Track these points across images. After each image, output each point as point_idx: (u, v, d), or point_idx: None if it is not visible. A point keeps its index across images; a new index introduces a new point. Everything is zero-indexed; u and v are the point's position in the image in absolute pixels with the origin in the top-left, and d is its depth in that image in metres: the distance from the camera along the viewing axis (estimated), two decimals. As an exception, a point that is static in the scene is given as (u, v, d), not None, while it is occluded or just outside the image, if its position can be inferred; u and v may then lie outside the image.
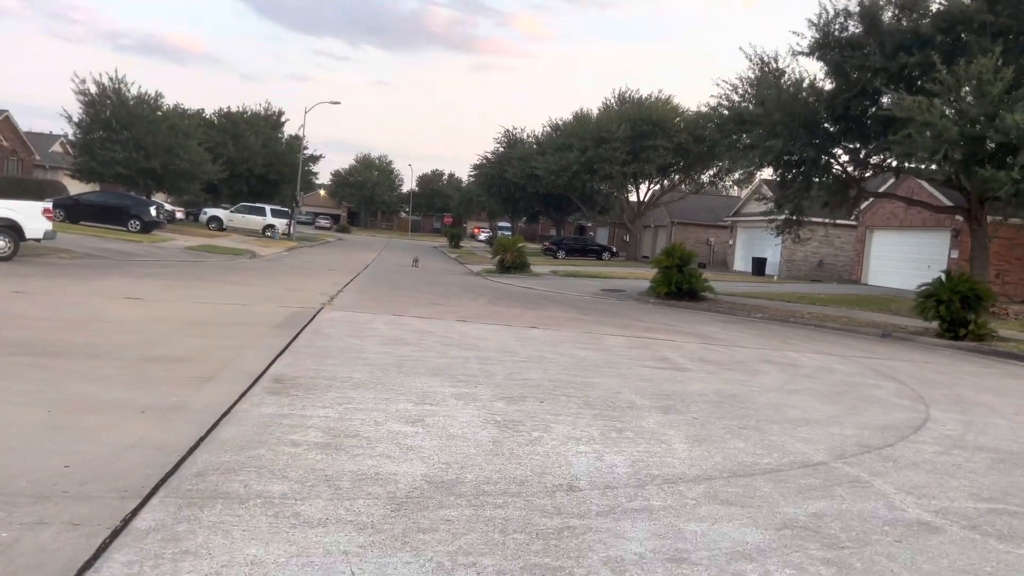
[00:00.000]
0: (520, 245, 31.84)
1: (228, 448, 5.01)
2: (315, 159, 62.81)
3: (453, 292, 20.05)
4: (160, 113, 38.61)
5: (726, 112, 23.02)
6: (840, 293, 27.95)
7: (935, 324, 17.50)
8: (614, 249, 51.88)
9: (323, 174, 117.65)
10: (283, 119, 58.64)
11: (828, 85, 21.71)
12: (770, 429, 7.00)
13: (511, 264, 30.79)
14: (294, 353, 8.52)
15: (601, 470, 5.26)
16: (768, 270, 36.44)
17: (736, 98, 23.02)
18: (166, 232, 36.06)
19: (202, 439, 5.14)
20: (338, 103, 49.36)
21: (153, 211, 32.51)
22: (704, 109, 43.78)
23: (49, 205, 19.44)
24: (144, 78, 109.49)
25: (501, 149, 57.53)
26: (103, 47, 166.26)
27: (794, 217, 24.32)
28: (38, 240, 19.13)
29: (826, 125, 21.51)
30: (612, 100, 44.12)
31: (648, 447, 5.98)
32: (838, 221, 34.61)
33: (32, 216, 18.70)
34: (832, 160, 22.78)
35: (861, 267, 33.48)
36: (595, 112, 44.97)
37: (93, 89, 36.67)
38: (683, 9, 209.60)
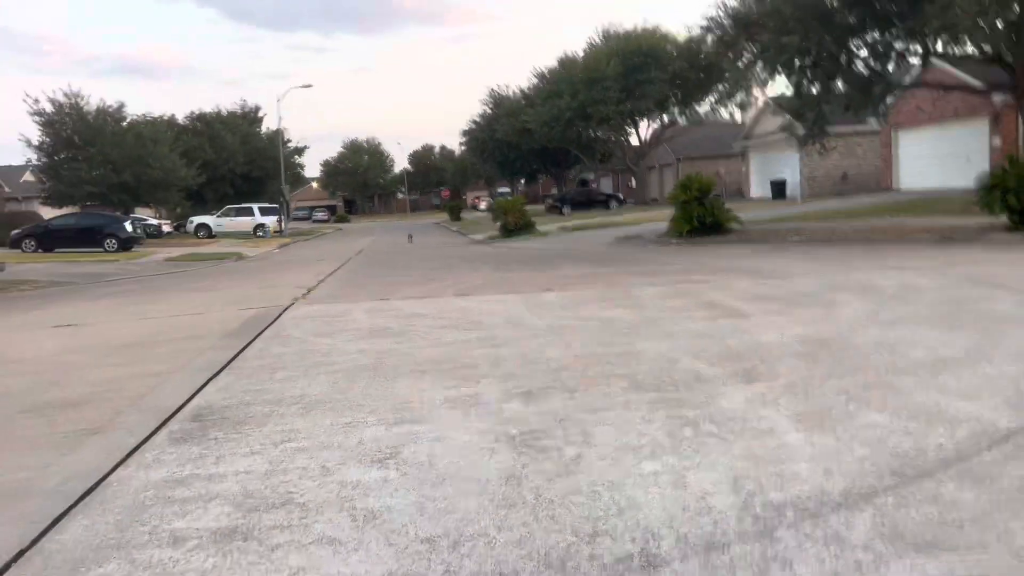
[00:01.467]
0: (521, 205, 29.57)
1: (50, 573, 2.91)
2: (300, 151, 60.53)
3: (453, 264, 17.89)
4: (124, 124, 36.37)
5: (727, 21, 20.53)
6: (875, 203, 25.57)
7: (1003, 218, 15.19)
8: (621, 196, 49.38)
9: (313, 166, 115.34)
10: (260, 114, 56.29)
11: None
12: (903, 384, 4.85)
13: (515, 226, 28.55)
14: (236, 370, 6.42)
15: (690, 508, 3.14)
16: (789, 192, 33.99)
17: (735, 3, 20.55)
18: (147, 247, 34.06)
19: (14, 560, 3.04)
20: (310, 86, 48.02)
21: (129, 227, 30.48)
22: (696, 31, 41.18)
23: (-9, 234, 17.36)
24: (125, 97, 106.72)
25: (489, 111, 54.89)
26: (79, 74, 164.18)
27: (816, 125, 21.86)
28: (-14, 275, 17.14)
29: (843, 15, 18.98)
30: (597, 39, 41.38)
31: (747, 446, 3.85)
32: (859, 128, 32.10)
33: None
34: (853, 55, 20.26)
35: (891, 172, 30.98)
36: (581, 55, 42.23)
37: (49, 108, 34.48)
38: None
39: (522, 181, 71.12)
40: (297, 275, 16.73)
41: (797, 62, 19.42)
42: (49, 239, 30.00)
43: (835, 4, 18.57)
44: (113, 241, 30.01)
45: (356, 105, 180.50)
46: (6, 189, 41.87)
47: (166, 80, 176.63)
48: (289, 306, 10.49)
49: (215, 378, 6.14)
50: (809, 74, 20.49)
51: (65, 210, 36.65)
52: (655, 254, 17.22)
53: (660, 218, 30.12)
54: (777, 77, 21.06)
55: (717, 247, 18.13)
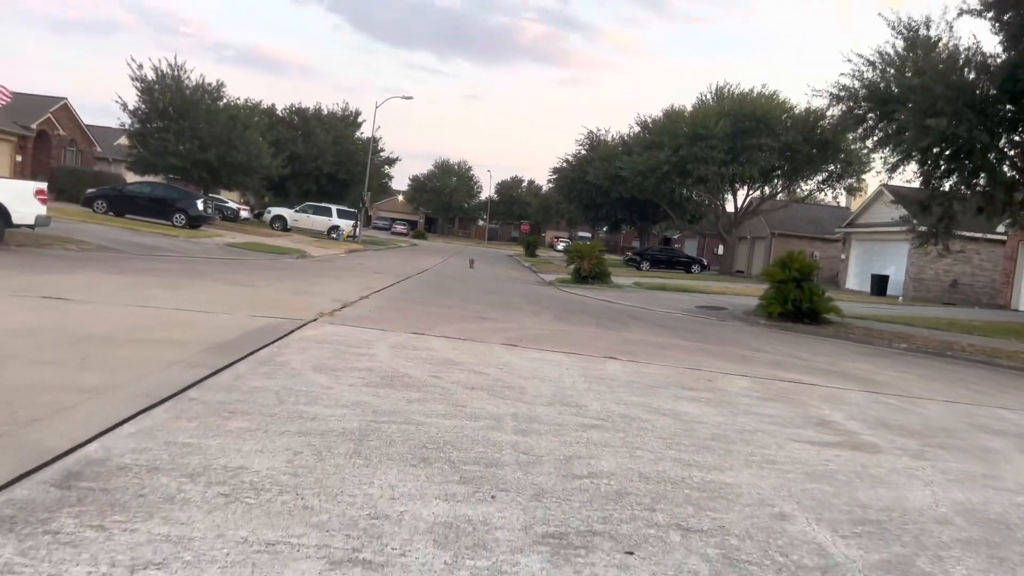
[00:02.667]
0: (599, 252, 27.76)
1: None
2: (391, 162, 60.26)
3: (513, 303, 16.17)
4: (221, 103, 36.23)
5: (861, 91, 18.47)
6: (993, 320, 22.79)
7: None
8: (704, 262, 47.05)
9: (402, 179, 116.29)
10: (360, 119, 56.16)
11: (1000, 54, 16.98)
12: None
13: (588, 273, 26.73)
14: (182, 405, 4.79)
15: None
16: (890, 290, 31.21)
17: (873, 75, 18.49)
18: (216, 228, 33.56)
19: None
20: (410, 98, 46.84)
21: (200, 205, 29.91)
22: (818, 103, 38.72)
23: (43, 186, 16.57)
24: (243, 88, 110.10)
25: (583, 152, 53.45)
26: (207, 58, 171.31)
27: (943, 224, 19.47)
28: (30, 226, 16.30)
29: (1000, 105, 16.71)
30: (708, 96, 39.51)
31: None
32: (979, 235, 29.29)
33: (21, 198, 15.87)
34: (1002, 152, 17.92)
35: (1011, 289, 27.99)
36: (688, 109, 40.45)
37: (151, 75, 34.55)
38: (777, 23, 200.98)
39: (604, 228, 69.31)
40: (344, 285, 15.29)
41: (936, 150, 17.20)
42: (121, 203, 29.65)
43: (994, 92, 16.35)
44: (182, 216, 29.46)
45: (457, 129, 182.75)
46: (98, 149, 42.38)
47: (285, 76, 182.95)
48: (310, 322, 8.92)
49: (147, 412, 4.52)
50: (946, 165, 18.22)
51: (149, 179, 36.64)
52: (741, 334, 15.15)
53: (746, 292, 27.87)
54: (908, 163, 18.81)
55: (812, 339, 15.93)
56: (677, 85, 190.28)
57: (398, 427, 4.82)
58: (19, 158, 34.64)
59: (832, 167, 37.55)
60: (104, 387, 4.98)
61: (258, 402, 5.03)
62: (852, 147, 36.15)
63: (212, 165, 34.78)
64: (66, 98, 38.36)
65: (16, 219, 15.63)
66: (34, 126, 35.24)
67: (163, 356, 6.09)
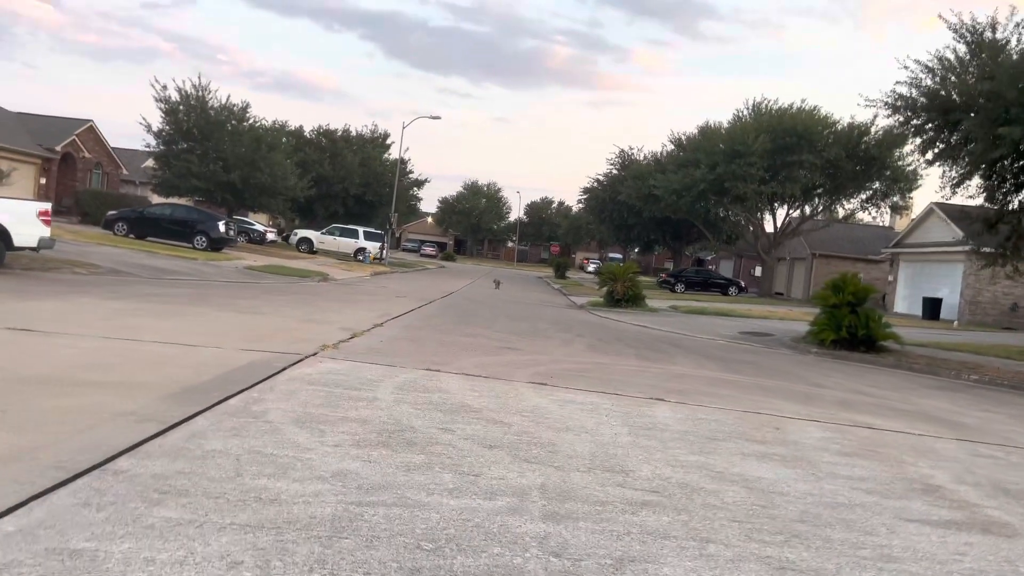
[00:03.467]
0: (633, 273, 26.41)
1: None
2: (420, 183, 59.52)
3: (541, 329, 14.90)
4: (246, 125, 35.69)
5: (922, 99, 17.02)
6: (1064, 347, 20.98)
7: None
8: (742, 284, 45.35)
9: (431, 201, 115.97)
10: (388, 141, 55.53)
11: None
12: None
13: (622, 296, 25.39)
14: (106, 479, 3.62)
15: None
16: (944, 313, 29.39)
17: (933, 83, 17.04)
18: (239, 251, 32.83)
19: None
20: (438, 118, 45.50)
21: (222, 227, 29.14)
22: (866, 115, 37.07)
23: (47, 207, 15.70)
24: (278, 112, 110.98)
25: (615, 171, 52.21)
26: (243, 84, 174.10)
27: (1012, 242, 17.84)
28: (34, 249, 15.43)
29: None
30: (745, 112, 38.09)
31: None
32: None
33: (23, 219, 15.00)
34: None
35: (1079, 313, 26.05)
36: (724, 126, 39.05)
37: (175, 96, 34.11)
38: (807, 44, 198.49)
39: (636, 249, 67.85)
40: (360, 311, 14.16)
41: (1007, 162, 15.69)
42: (142, 226, 29.02)
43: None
44: (203, 239, 28.71)
45: (487, 152, 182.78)
46: (124, 171, 42.11)
47: (319, 102, 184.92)
48: (308, 357, 7.75)
49: (47, 495, 3.35)
50: (1015, 178, 16.67)
51: (174, 201, 36.13)
52: (794, 365, 13.72)
53: (791, 317, 26.31)
54: (972, 178, 17.26)
55: (872, 370, 14.44)
56: (708, 106, 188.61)
57: (386, 513, 3.59)
58: (43, 180, 34.36)
59: (877, 184, 35.86)
60: (7, 453, 3.82)
61: (207, 475, 3.84)
62: (899, 163, 34.52)
63: (236, 187, 34.14)
64: (91, 120, 38.12)
65: (18, 242, 14.77)
66: (58, 148, 34.99)
67: (109, 406, 4.93)
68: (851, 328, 16.75)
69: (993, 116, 14.68)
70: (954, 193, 17.27)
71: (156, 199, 38.12)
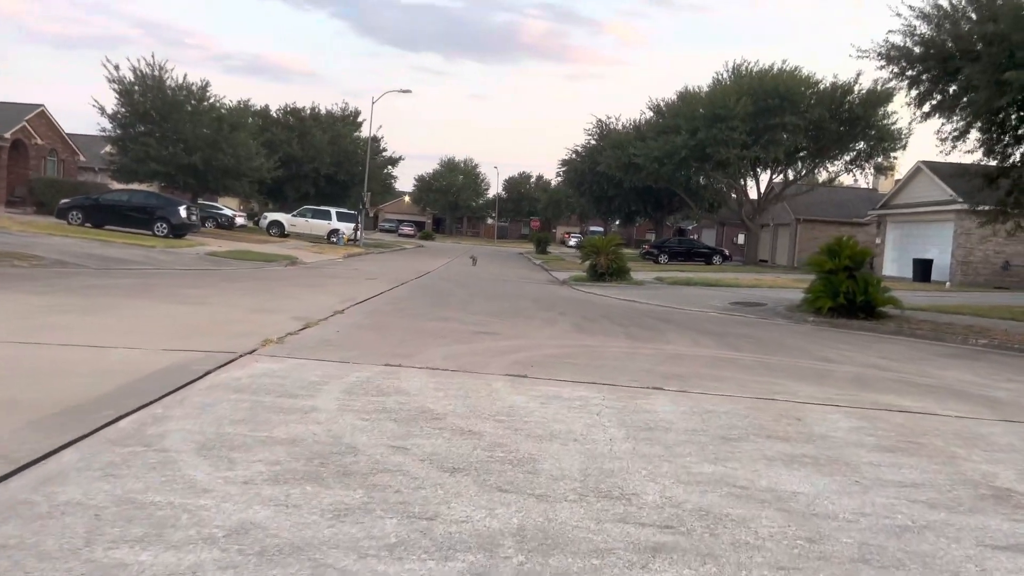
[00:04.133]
0: (617, 245, 25.33)
1: None
2: (393, 161, 57.98)
3: (522, 309, 13.78)
4: (207, 104, 34.04)
5: (918, 48, 15.95)
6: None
7: None
8: (726, 252, 44.41)
9: (408, 180, 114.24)
10: (360, 119, 53.82)
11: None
12: None
13: (606, 270, 24.32)
14: None
15: None
16: (935, 275, 28.59)
17: (928, 30, 15.98)
18: (204, 237, 31.36)
19: None
20: (408, 91, 43.91)
21: (183, 212, 27.68)
22: (846, 78, 35.91)
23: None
24: (250, 95, 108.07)
25: (593, 141, 50.91)
26: (213, 68, 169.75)
27: (1014, 198, 16.91)
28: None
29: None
30: (725, 75, 36.88)
31: None
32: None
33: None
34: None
35: (1076, 270, 25.34)
36: (704, 91, 37.82)
37: (129, 77, 32.37)
38: (783, 10, 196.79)
39: (616, 222, 66.77)
40: (323, 297, 12.96)
41: (1012, 111, 14.68)
42: (98, 214, 27.49)
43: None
44: (163, 225, 27.26)
45: (464, 129, 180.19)
46: (82, 158, 40.25)
47: (291, 83, 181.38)
48: (244, 355, 6.58)
49: None
50: (1017, 131, 15.69)
51: (134, 187, 34.50)
52: (794, 337, 12.71)
53: (780, 284, 25.38)
54: (971, 131, 16.25)
55: (876, 339, 13.48)
56: (685, 76, 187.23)
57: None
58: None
59: (861, 145, 34.93)
60: None
61: (40, 548, 2.70)
62: (884, 122, 33.58)
63: (198, 169, 32.57)
64: (43, 105, 36.22)
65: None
66: (7, 136, 33.18)
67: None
68: (849, 294, 15.79)
69: (997, 61, 13.64)
70: (953, 148, 16.27)
71: (117, 186, 36.45)
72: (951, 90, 15.88)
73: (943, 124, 16.87)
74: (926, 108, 16.69)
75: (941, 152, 16.76)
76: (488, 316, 11.92)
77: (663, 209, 52.98)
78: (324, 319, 9.57)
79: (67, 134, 38.60)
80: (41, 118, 36.03)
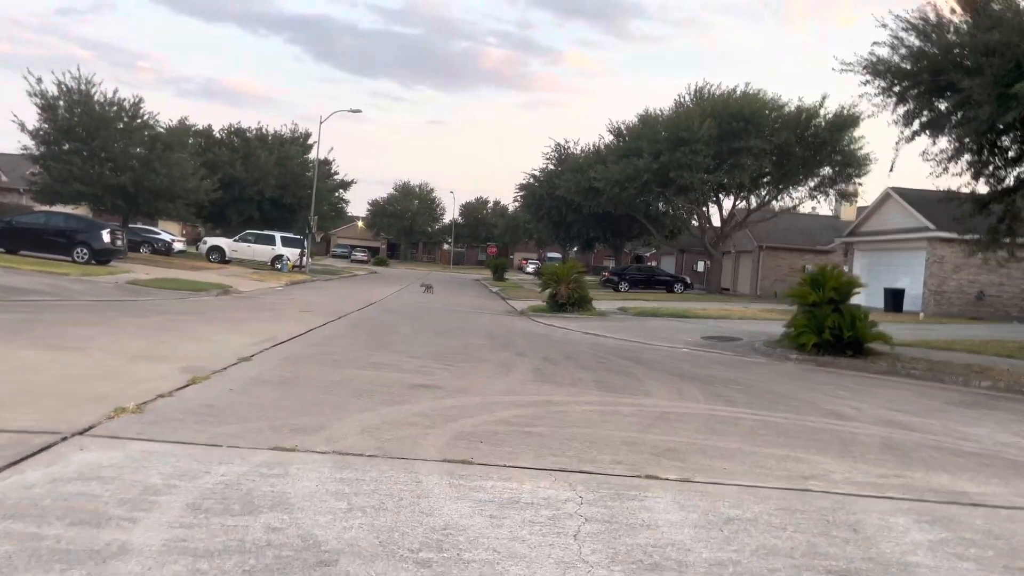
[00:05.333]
0: (578, 273, 23.67)
1: None
2: (345, 185, 55.81)
3: (475, 349, 11.91)
4: (139, 121, 31.72)
5: (905, 65, 14.67)
6: (1052, 339, 19.06)
7: None
8: (688, 280, 43.18)
9: (361, 205, 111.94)
10: (310, 141, 51.61)
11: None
12: None
13: (567, 300, 22.62)
14: None
15: None
16: (907, 305, 27.51)
17: (916, 41, 14.74)
18: (131, 263, 28.91)
19: None
20: (358, 111, 42.24)
21: (107, 236, 25.29)
22: (811, 102, 35.17)
23: None
24: (206, 119, 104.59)
25: (551, 166, 49.55)
26: (167, 92, 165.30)
27: (1006, 224, 15.68)
28: None
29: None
30: (687, 98, 35.80)
31: None
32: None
33: None
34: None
35: (1052, 300, 24.42)
36: (664, 114, 36.70)
37: (53, 91, 29.95)
38: (736, 43, 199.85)
39: (575, 248, 65.41)
40: (237, 336, 10.95)
41: (1016, 129, 13.41)
42: (11, 238, 24.95)
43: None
44: (84, 251, 24.84)
45: (421, 155, 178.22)
46: (3, 178, 37.47)
47: (247, 108, 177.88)
48: (73, 436, 4.63)
49: None
50: (1016, 151, 14.48)
51: (59, 209, 31.82)
52: (786, 381, 11.08)
53: (749, 315, 23.96)
54: (964, 153, 14.97)
55: (873, 382, 11.95)
56: (641, 106, 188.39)
57: None
58: None
59: (826, 170, 34.04)
60: None
61: None
62: (850, 147, 32.73)
63: (128, 190, 30.15)
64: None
65: None
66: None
67: None
68: (835, 330, 14.32)
69: (1000, 73, 12.35)
70: (944, 170, 14.98)
71: (39, 208, 33.76)
72: (943, 107, 14.61)
73: (931, 144, 15.66)
74: (914, 127, 15.42)
75: (931, 174, 15.48)
76: (433, 360, 10.03)
77: (622, 236, 51.73)
78: (221, 370, 7.61)
79: (-12, 153, 35.90)
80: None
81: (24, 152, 31.27)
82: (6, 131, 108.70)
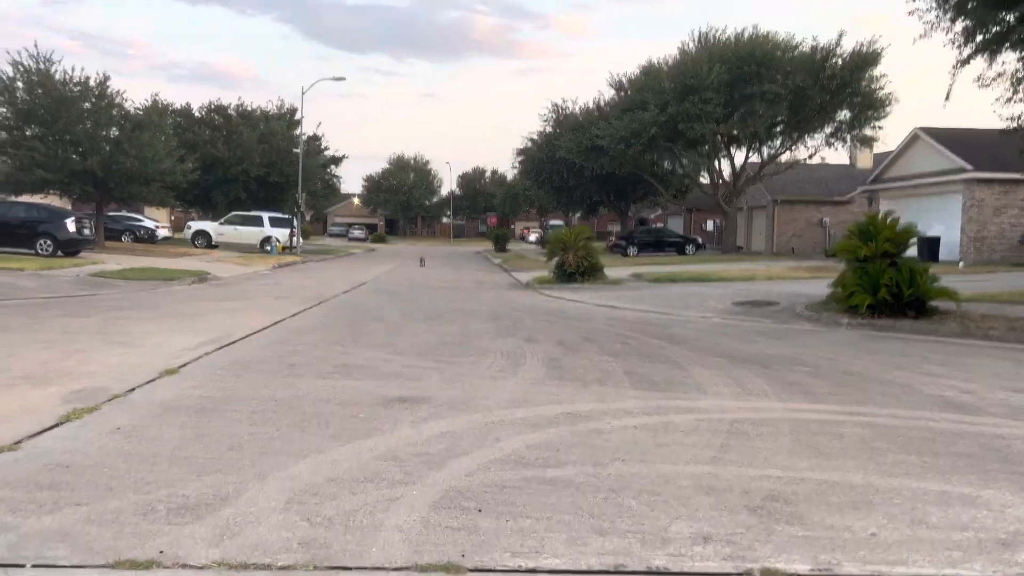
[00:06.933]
0: (587, 239, 21.52)
1: None
2: (337, 160, 53.48)
3: (474, 336, 9.85)
4: (105, 102, 29.41)
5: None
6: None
7: None
8: (699, 240, 40.94)
9: (355, 181, 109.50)
10: (298, 117, 49.15)
11: None
12: None
13: (576, 268, 20.53)
14: None
15: None
16: (944, 254, 25.33)
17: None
18: (106, 253, 26.88)
19: None
20: (342, 79, 39.86)
21: (71, 226, 23.28)
22: (826, 41, 32.71)
23: None
24: (197, 102, 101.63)
25: (549, 128, 47.07)
26: (158, 78, 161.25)
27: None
28: None
29: None
30: (691, 44, 33.27)
31: None
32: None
33: None
34: None
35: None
36: (668, 64, 34.18)
37: (10, 72, 27.67)
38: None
39: (577, 214, 63.06)
40: (179, 336, 8.90)
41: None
42: (-32, 232, 22.95)
43: None
44: (48, 242, 22.87)
45: (416, 129, 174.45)
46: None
47: (239, 90, 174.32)
48: None
49: None
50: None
51: (26, 199, 29.68)
52: (856, 354, 9.01)
53: (776, 275, 21.84)
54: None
55: (956, 349, 9.92)
56: (635, 66, 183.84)
57: None
58: None
59: (844, 114, 31.64)
60: None
61: None
62: (870, 87, 30.33)
63: (97, 175, 27.97)
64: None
65: None
66: None
67: None
68: (892, 287, 12.21)
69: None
70: (1015, 92, 12.78)
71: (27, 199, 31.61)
72: (1009, 19, 12.38)
73: (987, 68, 13.49)
74: (971, 48, 13.19)
75: (999, 99, 13.28)
76: (421, 355, 7.98)
77: (627, 198, 49.39)
78: (124, 393, 5.58)
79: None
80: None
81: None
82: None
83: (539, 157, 47.59)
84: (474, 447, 4.48)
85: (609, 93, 40.44)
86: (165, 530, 3.09)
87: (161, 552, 2.86)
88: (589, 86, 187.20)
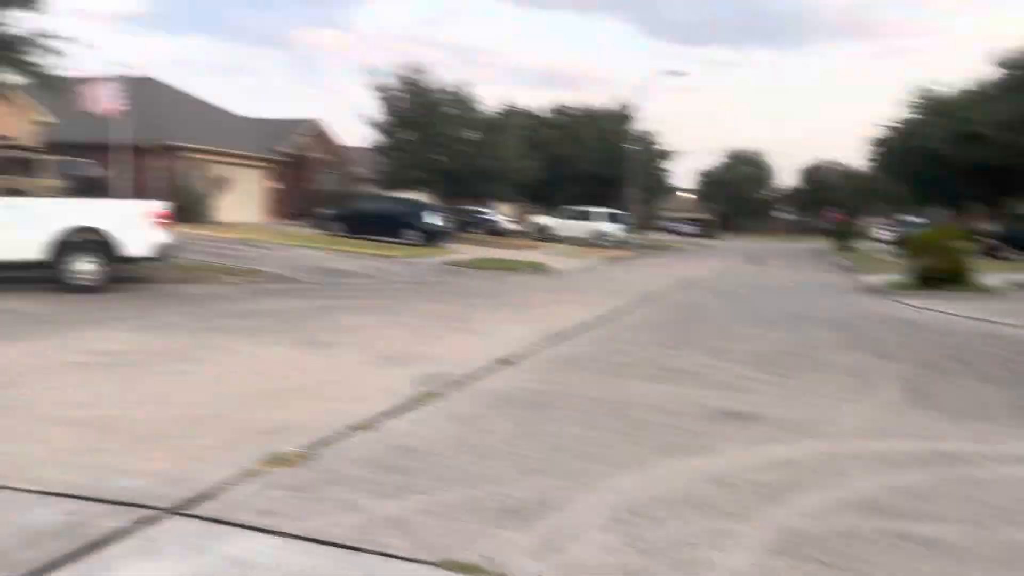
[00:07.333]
0: (955, 239, 18.66)
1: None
2: (666, 155, 53.70)
3: (813, 349, 8.86)
4: (467, 107, 32.66)
5: None
6: None
7: None
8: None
9: (686, 174, 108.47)
10: (631, 113, 50.15)
11: None
12: None
13: (941, 273, 17.91)
14: None
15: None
16: None
17: None
18: (459, 243, 29.70)
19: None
20: (684, 74, 40.07)
21: (430, 218, 26.14)
22: None
23: (159, 206, 12.76)
24: (541, 103, 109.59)
25: (912, 115, 41.87)
26: (507, 83, 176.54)
27: None
28: (151, 259, 12.62)
29: None
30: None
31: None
32: None
33: (126, 223, 12.20)
34: None
35: None
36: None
37: (394, 83, 31.91)
38: None
39: (941, 211, 55.38)
40: (518, 325, 9.35)
41: None
42: (358, 222, 26.84)
43: None
44: (412, 232, 25.88)
45: (754, 121, 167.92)
46: (358, 168, 41.26)
47: (584, 90, 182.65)
48: (138, 526, 3.10)
49: None
50: None
51: (399, 194, 34.11)
52: None
53: None
54: None
55: None
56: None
57: None
58: (270, 183, 33.91)
59: None
60: None
61: None
62: None
63: (460, 174, 31.14)
64: (317, 119, 37.35)
65: (123, 251, 11.97)
66: (284, 150, 34.32)
67: None
68: None
69: None
70: None
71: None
72: None
73: None
74: None
75: None
76: (752, 365, 7.41)
77: (1011, 192, 42.10)
78: (465, 378, 5.90)
79: (342, 146, 39.62)
80: (315, 132, 37.12)
81: (366, 144, 33.94)
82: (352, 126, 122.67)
83: (901, 148, 42.68)
84: (816, 482, 3.92)
85: (987, 72, 34.75)
86: (489, 532, 3.09)
87: (477, 563, 2.83)
88: (956, 67, 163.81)
